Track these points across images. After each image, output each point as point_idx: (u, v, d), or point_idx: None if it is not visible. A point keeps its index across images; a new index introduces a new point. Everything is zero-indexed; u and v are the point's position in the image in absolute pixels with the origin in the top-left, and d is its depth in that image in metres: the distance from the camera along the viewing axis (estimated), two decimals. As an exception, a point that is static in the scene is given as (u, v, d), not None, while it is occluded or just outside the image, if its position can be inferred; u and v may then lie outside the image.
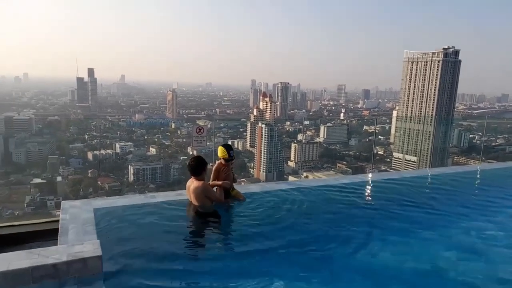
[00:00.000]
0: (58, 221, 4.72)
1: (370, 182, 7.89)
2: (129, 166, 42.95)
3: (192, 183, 5.35)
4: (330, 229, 5.32)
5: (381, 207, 6.37)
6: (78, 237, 4.12)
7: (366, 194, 7.26)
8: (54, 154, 41.04)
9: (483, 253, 4.80)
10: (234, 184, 6.02)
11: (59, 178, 37.96)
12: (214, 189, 5.63)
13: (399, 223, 5.68)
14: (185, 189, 5.57)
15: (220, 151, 5.77)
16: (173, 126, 68.55)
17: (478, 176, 9.33)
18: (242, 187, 6.20)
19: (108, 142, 45.78)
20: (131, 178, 42.43)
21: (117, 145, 46.28)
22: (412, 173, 9.52)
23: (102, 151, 43.72)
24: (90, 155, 42.81)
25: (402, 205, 6.38)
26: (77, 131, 48.31)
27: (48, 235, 4.97)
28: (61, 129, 44.96)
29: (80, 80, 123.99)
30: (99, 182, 37.74)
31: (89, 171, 39.83)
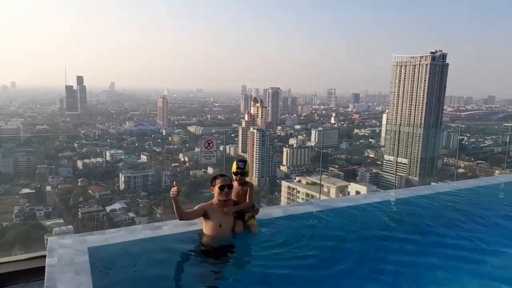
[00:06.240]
0: (44, 256, 3.89)
1: (404, 199, 6.83)
2: (120, 174, 42.53)
3: None
4: (370, 263, 4.34)
5: (426, 231, 5.36)
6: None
7: (407, 215, 6.14)
8: (42, 163, 40.46)
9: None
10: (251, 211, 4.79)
11: (48, 188, 37.37)
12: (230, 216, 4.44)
13: (453, 251, 4.66)
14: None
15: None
16: (164, 133, 68.26)
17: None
18: (261, 210, 5.10)
19: (98, 150, 45.35)
20: (122, 186, 42.01)
21: (108, 153, 45.84)
22: (443, 187, 8.35)
23: (92, 160, 43.28)
24: (80, 164, 42.33)
25: (450, 228, 5.38)
26: (66, 139, 47.72)
27: (32, 275, 4.18)
28: (50, 138, 44.36)
29: (69, 88, 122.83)
30: (89, 191, 37.31)
31: (79, 180, 39.36)
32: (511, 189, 8.06)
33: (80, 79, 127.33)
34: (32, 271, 4.24)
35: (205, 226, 4.35)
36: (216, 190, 4.36)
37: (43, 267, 3.57)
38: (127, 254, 4.14)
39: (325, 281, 3.89)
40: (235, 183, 4.63)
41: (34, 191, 36.13)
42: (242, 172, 4.60)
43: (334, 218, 5.46)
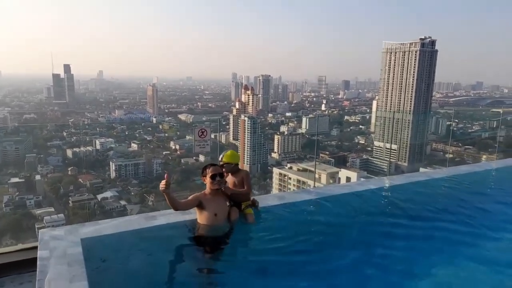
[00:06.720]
0: (35, 248, 3.79)
1: (401, 185, 6.69)
2: (111, 163, 42.29)
3: None
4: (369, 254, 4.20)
5: (425, 216, 5.30)
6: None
7: (405, 201, 5.98)
8: (31, 152, 39.99)
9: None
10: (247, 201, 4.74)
11: (37, 177, 37.04)
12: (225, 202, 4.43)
13: (453, 235, 4.63)
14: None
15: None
16: (154, 121, 67.80)
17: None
18: (257, 199, 5.07)
19: (87, 139, 44.88)
20: (113, 174, 41.83)
21: (97, 142, 45.42)
22: (441, 173, 8.25)
23: (82, 148, 42.86)
24: (69, 153, 41.91)
25: (445, 215, 5.32)
26: (55, 128, 47.14)
27: (24, 266, 4.09)
28: (38, 127, 43.75)
29: (56, 76, 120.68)
30: (80, 180, 37.06)
31: (69, 169, 39.02)
32: (504, 173, 8.13)
33: (67, 67, 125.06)
34: (24, 262, 4.15)
35: (199, 216, 4.31)
36: (207, 179, 4.32)
37: (35, 259, 3.49)
38: (121, 244, 4.06)
39: (324, 269, 3.84)
40: (229, 175, 4.66)
41: (23, 180, 35.80)
42: (223, 164, 4.58)
43: (332, 206, 5.36)
